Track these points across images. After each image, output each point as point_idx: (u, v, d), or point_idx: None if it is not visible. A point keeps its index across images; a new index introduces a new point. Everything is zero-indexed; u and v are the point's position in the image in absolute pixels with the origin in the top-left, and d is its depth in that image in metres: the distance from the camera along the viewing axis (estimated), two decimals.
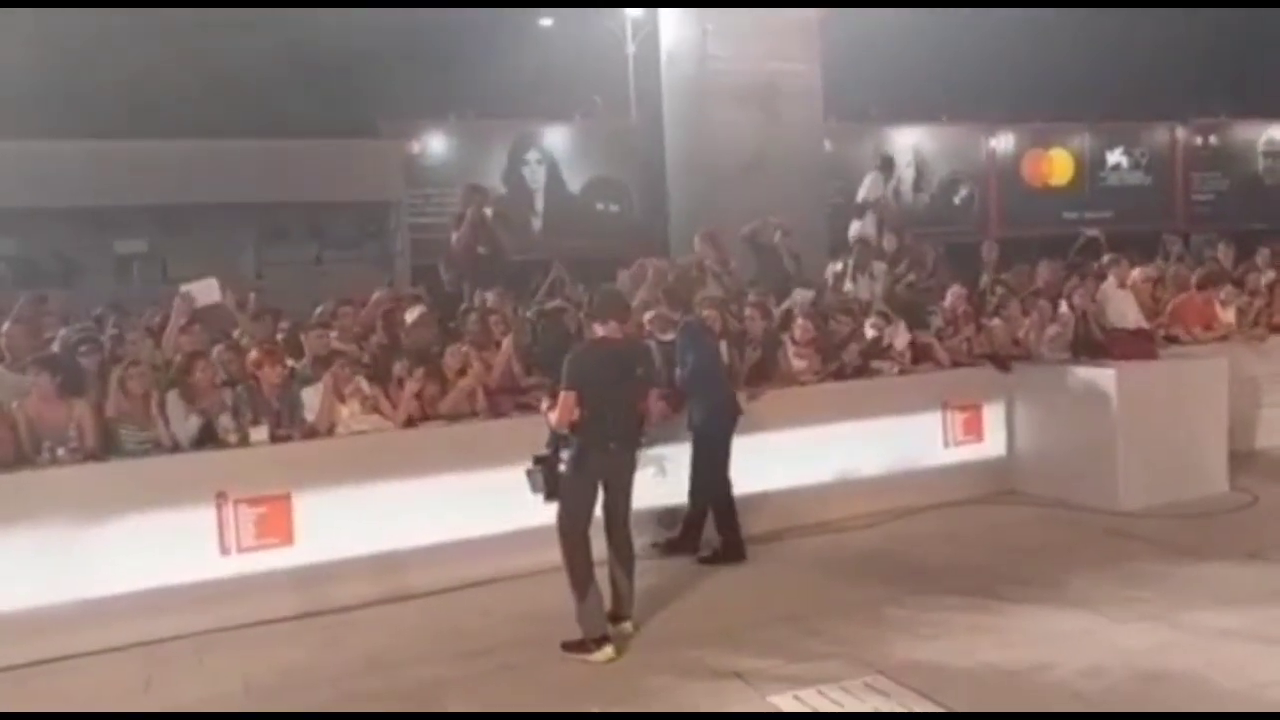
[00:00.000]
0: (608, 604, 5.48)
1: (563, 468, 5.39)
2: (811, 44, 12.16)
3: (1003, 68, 20.92)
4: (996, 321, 8.15)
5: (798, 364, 7.47)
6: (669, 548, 6.70)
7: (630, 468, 5.57)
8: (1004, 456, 7.92)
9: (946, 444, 7.76)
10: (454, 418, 6.63)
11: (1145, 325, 8.39)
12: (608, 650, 5.23)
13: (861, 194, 10.59)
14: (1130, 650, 4.91)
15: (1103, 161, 21.13)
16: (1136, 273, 8.61)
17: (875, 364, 7.69)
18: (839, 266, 9.47)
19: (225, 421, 6.12)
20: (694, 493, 6.66)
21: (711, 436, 6.56)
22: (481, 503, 6.35)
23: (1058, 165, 21.62)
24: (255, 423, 6.18)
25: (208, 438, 6.11)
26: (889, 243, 9.63)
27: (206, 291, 7.15)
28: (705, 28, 11.52)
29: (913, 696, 4.55)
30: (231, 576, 5.84)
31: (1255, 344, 8.71)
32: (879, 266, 9.22)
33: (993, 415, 7.90)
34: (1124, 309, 8.28)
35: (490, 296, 8.13)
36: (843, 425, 7.28)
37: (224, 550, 5.87)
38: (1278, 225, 17.74)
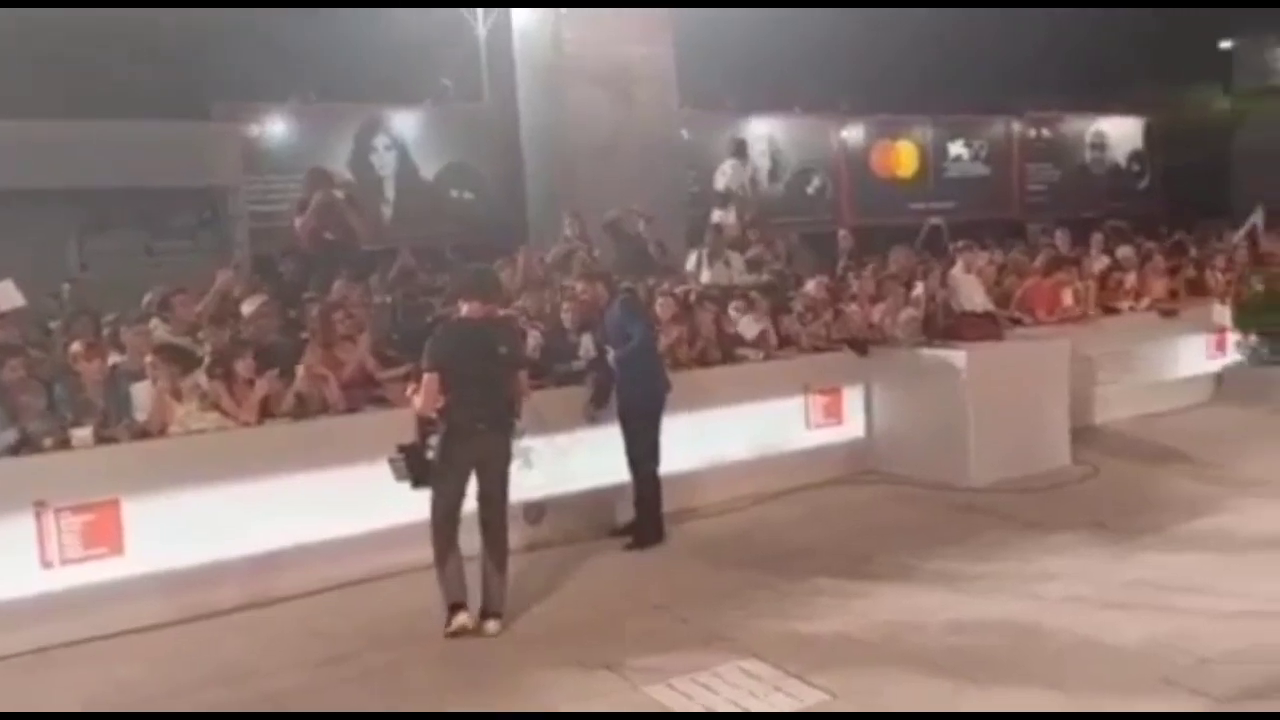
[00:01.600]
0: (477, 600, 5.40)
1: (431, 454, 5.28)
2: (665, 29, 12.24)
3: (851, 61, 21.50)
4: (854, 307, 8.37)
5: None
6: (638, 541, 6.57)
7: (503, 452, 5.46)
8: (863, 438, 8.14)
9: (808, 426, 7.92)
10: (301, 415, 6.34)
11: (992, 309, 8.78)
12: (461, 618, 5.24)
13: (722, 182, 10.72)
14: (990, 616, 5.12)
15: (945, 153, 21.98)
16: (983, 258, 8.99)
17: (740, 351, 7.78)
18: (694, 256, 9.55)
19: (38, 425, 5.66)
20: (639, 475, 6.60)
21: (654, 413, 6.55)
22: (340, 502, 6.10)
23: (903, 157, 22.38)
24: (77, 424, 5.76)
25: (25, 442, 5.65)
26: (748, 232, 9.77)
27: (4, 297, 6.63)
28: (558, 10, 11.42)
29: (786, 677, 4.61)
30: (58, 591, 5.42)
31: (1090, 325, 9.22)
32: (735, 256, 9.34)
33: (852, 398, 8.11)
34: (972, 293, 8.64)
35: (337, 287, 7.83)
36: (709, 412, 7.32)
37: (45, 563, 5.42)
38: (1104, 213, 18.92)
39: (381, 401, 6.60)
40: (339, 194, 8.95)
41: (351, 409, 6.51)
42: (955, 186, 22.39)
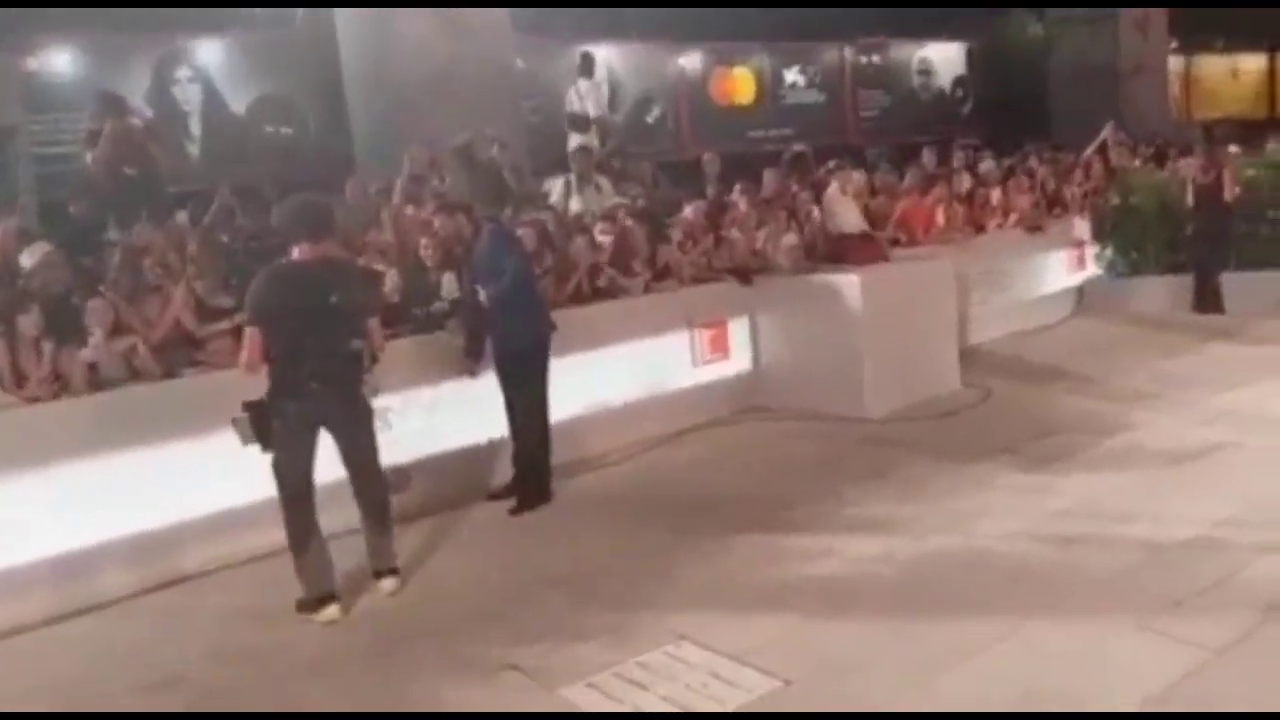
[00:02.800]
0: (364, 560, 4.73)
1: None
2: None
3: None
4: (736, 233, 7.62)
5: None
6: (523, 503, 5.71)
7: (350, 411, 4.64)
8: (750, 371, 7.47)
9: (695, 363, 7.17)
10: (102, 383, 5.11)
11: (867, 230, 8.22)
12: (330, 611, 4.54)
13: (577, 103, 9.73)
14: (934, 562, 4.54)
15: (781, 80, 21.48)
16: (858, 178, 8.41)
17: (620, 282, 6.92)
18: (559, 183, 8.57)
19: None
20: (526, 429, 5.75)
21: (539, 356, 5.71)
22: (158, 487, 4.96)
23: (741, 84, 21.73)
24: None
25: None
26: (610, 159, 8.84)
27: None
28: None
29: (725, 662, 3.86)
30: None
31: (961, 244, 8.82)
32: (604, 180, 8.42)
33: (737, 330, 7.41)
34: (848, 215, 8.03)
35: (139, 229, 6.50)
36: (588, 352, 6.45)
37: None
38: (934, 138, 18.92)
39: (203, 364, 5.44)
40: (136, 122, 7.48)
41: (168, 374, 5.32)
42: (792, 113, 21.96)
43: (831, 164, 8.49)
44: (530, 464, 5.78)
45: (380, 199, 7.78)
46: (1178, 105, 22.22)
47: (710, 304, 7.24)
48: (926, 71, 22.20)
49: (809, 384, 7.16)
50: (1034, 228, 9.26)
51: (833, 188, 7.95)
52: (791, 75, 21.77)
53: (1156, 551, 4.40)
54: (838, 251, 7.46)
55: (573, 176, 8.47)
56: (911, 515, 5.12)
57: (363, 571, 4.85)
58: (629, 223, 7.10)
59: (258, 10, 18.89)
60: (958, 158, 9.90)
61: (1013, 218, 9.26)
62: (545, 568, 4.91)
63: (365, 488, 4.76)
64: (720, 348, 7.30)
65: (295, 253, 4.61)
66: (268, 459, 4.52)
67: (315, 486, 4.61)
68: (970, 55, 22.21)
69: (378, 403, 5.08)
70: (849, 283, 6.96)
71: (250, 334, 4.47)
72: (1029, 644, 3.76)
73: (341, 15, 11.40)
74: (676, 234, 7.46)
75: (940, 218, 8.81)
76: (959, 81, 22.41)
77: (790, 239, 7.71)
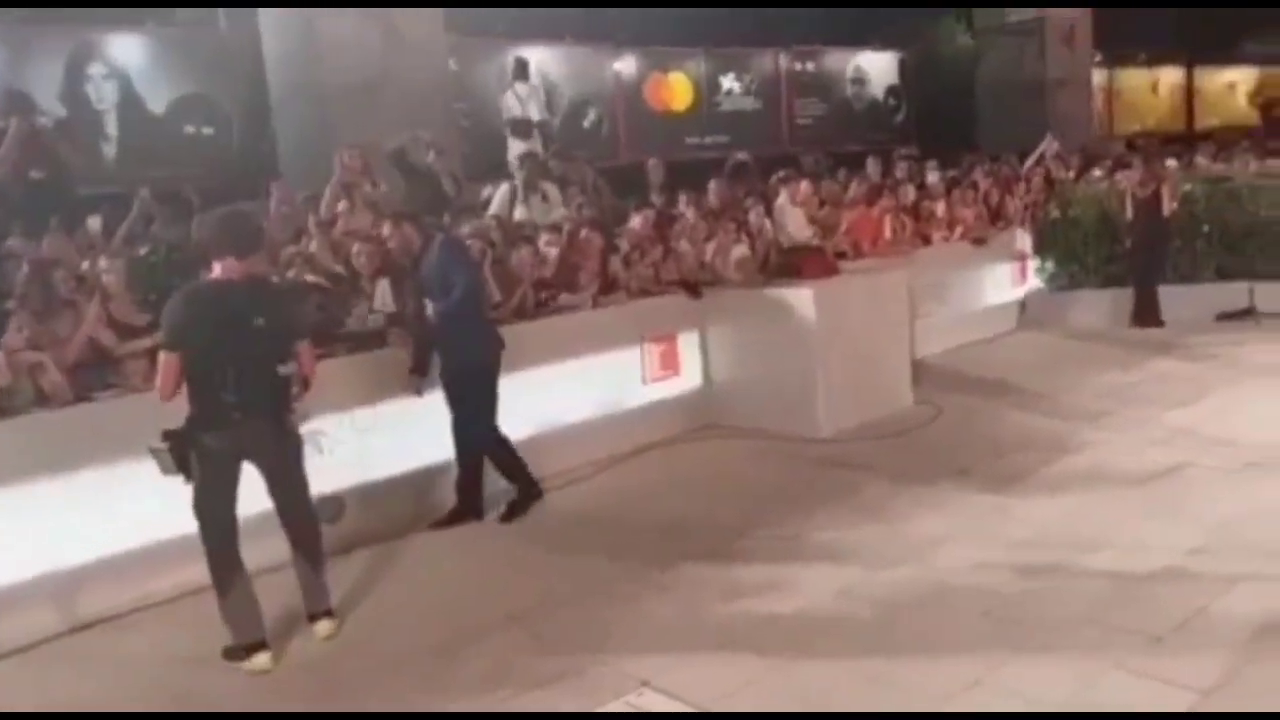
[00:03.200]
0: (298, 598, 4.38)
1: None
2: None
3: None
4: (685, 245, 7.39)
5: None
6: (450, 518, 5.56)
7: (277, 442, 4.28)
8: (701, 388, 7.24)
9: (645, 380, 6.92)
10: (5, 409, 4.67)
11: (817, 242, 8.07)
12: (261, 660, 4.17)
13: (516, 108, 9.41)
14: (894, 595, 4.35)
15: (717, 86, 21.36)
16: (806, 188, 8.25)
17: (565, 298, 6.63)
18: (501, 190, 8.24)
19: None
20: (469, 446, 5.55)
21: (487, 372, 5.49)
22: (77, 519, 4.55)
23: (677, 90, 21.55)
24: None
25: None
26: (550, 163, 8.54)
27: None
28: None
29: (691, 713, 3.62)
30: None
31: (908, 257, 8.72)
32: (551, 188, 8.11)
33: (688, 346, 7.17)
34: (799, 226, 7.88)
35: (49, 240, 6.03)
36: (537, 370, 6.15)
37: None
38: (869, 147, 18.97)
39: (120, 386, 5.02)
40: (45, 121, 6.97)
41: (81, 397, 4.89)
42: (728, 120, 21.85)
43: (781, 173, 8.32)
44: (465, 484, 5.57)
45: (308, 206, 7.39)
46: (1100, 118, 22.68)
47: (659, 318, 7.00)
48: (860, 80, 22.29)
49: (761, 401, 6.96)
50: (978, 240, 9.21)
51: (782, 198, 7.78)
52: (728, 82, 21.66)
53: (1127, 583, 4.26)
54: (789, 264, 7.27)
55: (518, 183, 8.15)
56: (870, 543, 4.93)
57: (296, 612, 4.50)
58: (584, 232, 6.81)
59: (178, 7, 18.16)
60: (901, 168, 9.81)
61: (958, 230, 9.20)
62: (494, 604, 4.60)
63: (296, 526, 4.41)
64: (670, 364, 7.06)
65: (218, 269, 4.24)
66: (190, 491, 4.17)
67: (239, 523, 4.25)
68: (903, 65, 22.37)
69: (309, 425, 4.75)
70: (802, 296, 6.78)
71: (166, 359, 4.11)
72: (1007, 688, 3.57)
73: (265, 12, 10.96)
74: (624, 245, 7.20)
75: (887, 229, 8.70)
76: (892, 90, 22.55)
77: (740, 251, 7.51)
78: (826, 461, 6.27)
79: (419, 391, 5.55)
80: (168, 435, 4.10)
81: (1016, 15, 20.93)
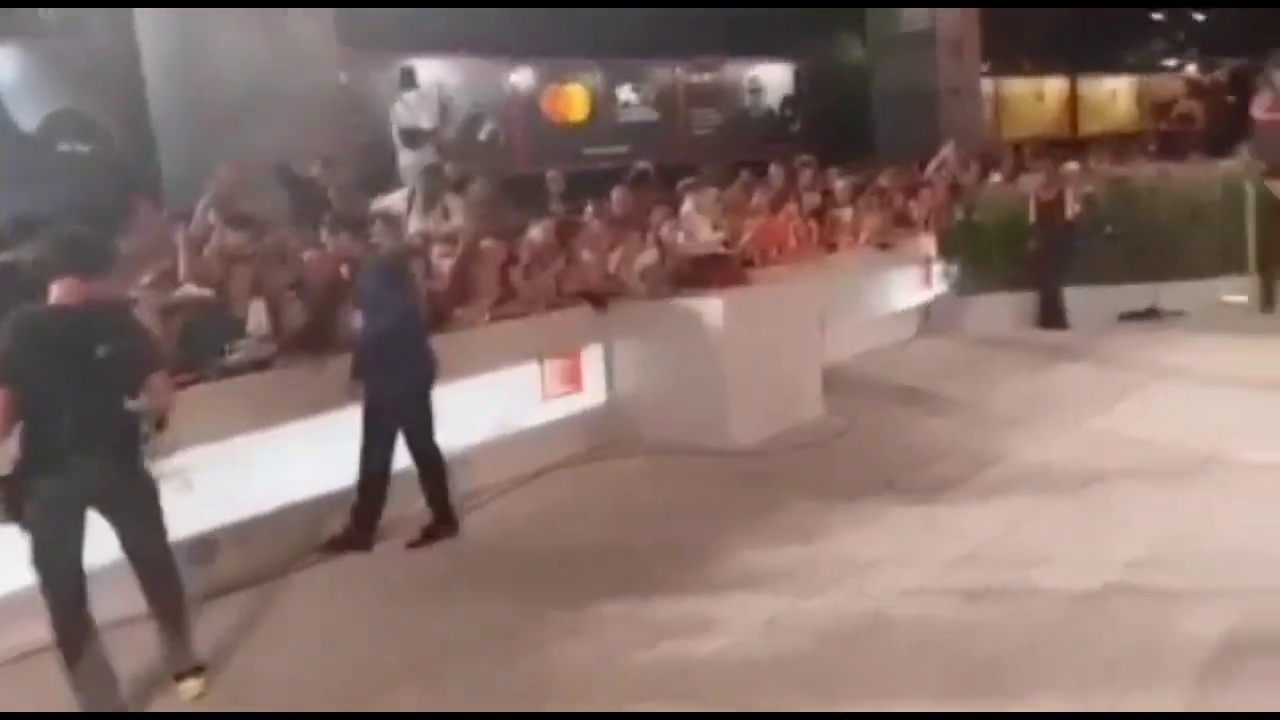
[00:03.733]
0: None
1: None
2: None
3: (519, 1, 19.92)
4: (588, 255, 6.92)
5: None
6: (426, 535, 5.21)
7: (127, 488, 3.73)
8: (606, 404, 6.77)
9: (544, 397, 6.41)
10: None
11: (723, 250, 7.70)
12: None
13: (407, 118, 8.86)
14: (830, 627, 3.96)
15: (615, 98, 21.02)
16: (712, 195, 7.88)
17: (459, 312, 6.10)
18: (396, 198, 7.64)
19: None
20: (426, 469, 5.28)
21: (427, 394, 5.19)
22: None
23: (575, 101, 21.16)
24: None
25: None
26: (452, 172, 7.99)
27: None
28: None
29: None
30: None
31: (813, 264, 8.42)
32: (454, 200, 7.54)
33: (591, 360, 6.70)
34: (705, 235, 7.50)
35: None
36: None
37: None
38: (766, 156, 18.87)
39: None
40: None
41: None
42: (627, 131, 21.55)
43: (687, 180, 7.95)
44: (434, 497, 5.26)
45: (176, 223, 6.68)
46: (988, 125, 23.08)
47: (562, 332, 6.51)
48: (757, 90, 22.24)
49: (670, 415, 6.53)
50: (884, 245, 8.99)
51: (688, 206, 7.40)
52: (625, 93, 21.35)
53: (1073, 604, 3.95)
54: (696, 274, 6.87)
55: (417, 195, 7.55)
56: (795, 567, 4.53)
57: (158, 671, 3.88)
58: (484, 243, 6.29)
59: (49, 15, 16.98)
60: (805, 175, 9.54)
61: (864, 235, 8.95)
62: (379, 657, 4.05)
63: (152, 580, 3.81)
64: (573, 379, 6.58)
65: (55, 292, 3.64)
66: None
67: (86, 578, 3.64)
68: (798, 75, 22.40)
69: (174, 461, 4.14)
70: (711, 307, 6.38)
71: None
72: None
73: (143, 22, 10.26)
74: (524, 256, 6.70)
75: (792, 237, 8.39)
76: (787, 101, 22.57)
77: (646, 259, 7.09)
78: (742, 477, 5.87)
79: (358, 397, 5.10)
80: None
81: (908, 26, 21.15)
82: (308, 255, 5.92)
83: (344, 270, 5.63)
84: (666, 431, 6.50)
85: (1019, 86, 23.46)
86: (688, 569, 4.63)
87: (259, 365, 5.18)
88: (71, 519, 3.59)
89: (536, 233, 6.92)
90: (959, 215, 9.51)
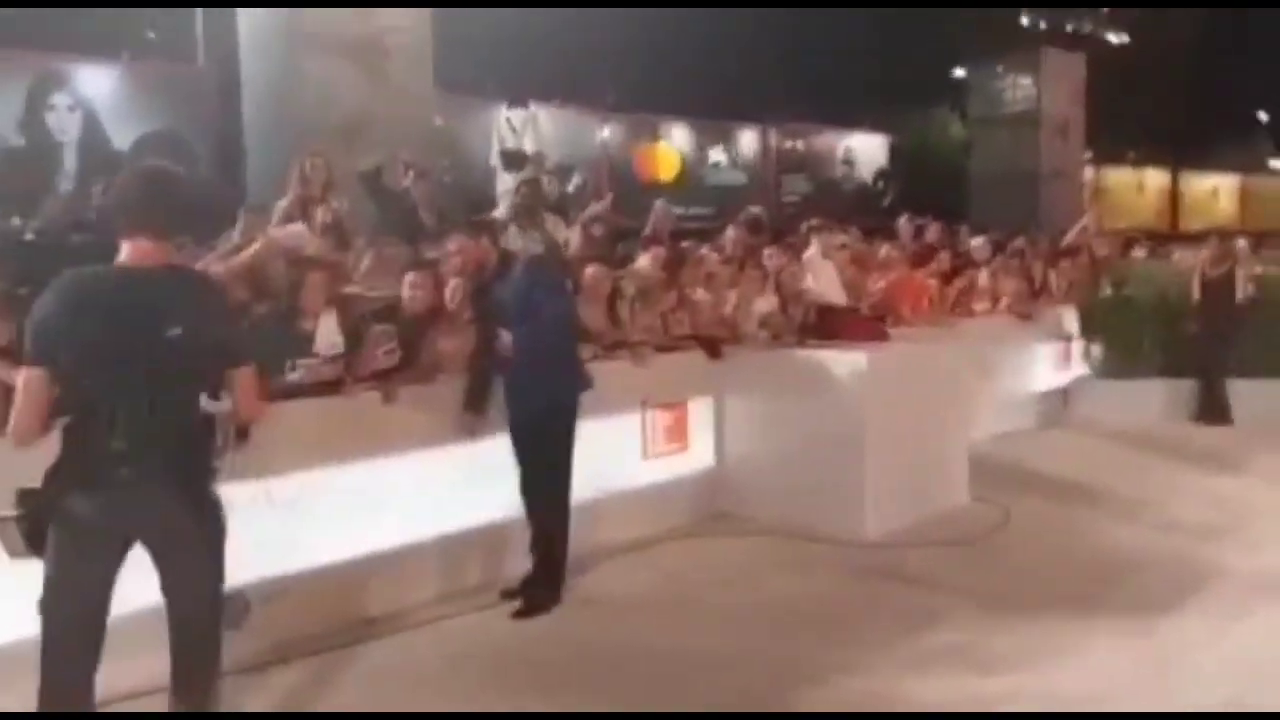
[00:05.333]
0: None
1: None
2: None
3: (614, 54, 19.46)
4: (702, 293, 5.86)
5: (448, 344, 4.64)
6: (530, 605, 4.24)
7: (186, 518, 2.62)
8: (714, 468, 5.65)
9: (646, 455, 5.32)
10: None
11: (853, 303, 6.60)
12: None
13: (510, 139, 8.09)
14: None
15: (705, 158, 20.29)
16: (840, 240, 6.80)
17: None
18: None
19: None
20: (547, 508, 4.34)
21: (569, 416, 4.35)
22: None
23: (665, 160, 20.46)
24: None
25: None
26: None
27: None
28: None
29: None
30: None
31: (948, 329, 7.24)
32: (557, 222, 6.57)
33: (699, 415, 5.60)
34: (831, 283, 6.41)
35: None
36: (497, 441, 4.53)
37: None
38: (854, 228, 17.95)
39: None
40: None
41: None
42: (714, 192, 20.78)
43: (813, 221, 6.90)
44: (546, 554, 4.33)
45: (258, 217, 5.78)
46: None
47: (669, 380, 5.41)
48: (850, 162, 21.39)
49: (788, 489, 5.36)
50: (1024, 315, 7.79)
51: (814, 250, 6.33)
52: (715, 154, 20.62)
53: None
54: (829, 325, 5.76)
55: (515, 217, 6.59)
56: (981, 701, 3.32)
57: None
58: (590, 269, 5.27)
59: (155, 36, 16.75)
60: (932, 231, 8.43)
61: (1003, 302, 7.77)
62: None
63: (189, 644, 2.69)
64: (678, 436, 5.47)
65: (125, 250, 2.65)
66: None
67: (104, 638, 2.61)
68: (893, 149, 21.49)
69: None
70: (852, 363, 5.23)
71: (27, 380, 2.55)
72: None
73: (247, 51, 9.97)
74: (629, 288, 5.66)
75: (925, 296, 7.25)
76: (880, 174, 21.63)
77: (766, 305, 6.01)
78: (881, 574, 4.66)
79: (473, 432, 4.39)
80: (23, 497, 2.54)
81: (1011, 106, 20.18)
82: (456, 246, 4.95)
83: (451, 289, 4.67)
84: (784, 508, 5.33)
85: (1120, 176, 22.27)
86: (839, 691, 3.44)
87: (324, 388, 4.20)
88: (107, 554, 2.59)
89: (644, 262, 5.88)
90: (1107, 289, 8.28)
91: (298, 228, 5.18)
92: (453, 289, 4.68)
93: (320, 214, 5.80)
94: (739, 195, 20.91)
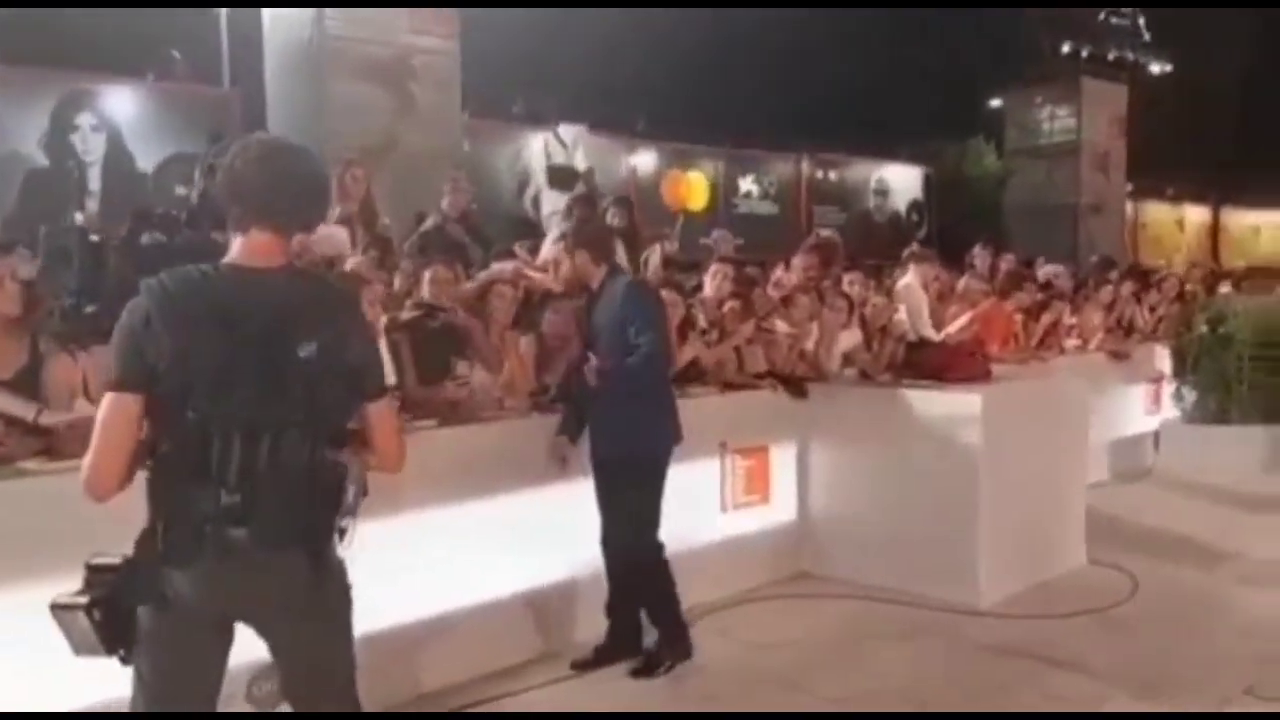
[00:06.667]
0: None
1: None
2: (450, 21, 9.66)
3: (643, 80, 19.01)
4: (780, 325, 5.17)
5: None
6: (599, 657, 3.77)
7: (307, 593, 2.01)
8: (794, 522, 4.95)
9: (725, 507, 4.62)
10: None
11: (936, 336, 5.92)
12: None
13: (560, 154, 7.53)
14: None
15: (735, 188, 19.72)
16: (935, 270, 6.13)
17: None
18: (550, 247, 6.05)
19: None
20: (632, 556, 3.76)
21: (658, 463, 3.75)
22: None
23: (695, 189, 19.80)
24: None
25: None
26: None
27: None
28: None
29: None
30: None
31: (1037, 367, 6.54)
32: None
33: (781, 462, 4.90)
34: (922, 315, 5.74)
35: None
36: (572, 484, 3.86)
37: None
38: (886, 259, 17.35)
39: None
40: None
41: None
42: (744, 223, 20.20)
43: (914, 248, 6.25)
44: (621, 611, 3.80)
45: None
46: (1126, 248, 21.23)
47: (748, 422, 4.73)
48: (883, 192, 20.78)
49: (883, 548, 4.66)
50: (1118, 354, 7.08)
51: (911, 278, 5.66)
52: (746, 184, 20.07)
53: None
54: (926, 362, 5.07)
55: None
56: None
57: None
58: (662, 295, 4.60)
59: (180, 57, 16.35)
60: (1007, 260, 7.74)
61: (1097, 338, 7.06)
62: None
63: None
64: (758, 486, 4.78)
65: (238, 246, 2.03)
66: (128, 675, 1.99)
67: None
68: (927, 180, 20.88)
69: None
70: (964, 405, 4.53)
71: (112, 412, 1.92)
72: None
73: (273, 73, 9.75)
74: (700, 317, 4.99)
75: (1014, 332, 6.56)
76: (914, 206, 21.00)
77: (850, 339, 5.34)
78: (1012, 653, 3.94)
79: (564, 459, 3.85)
80: (95, 575, 1.93)
81: (1050, 137, 19.61)
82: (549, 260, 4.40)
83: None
84: (877, 569, 4.64)
85: (1160, 211, 21.57)
86: None
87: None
88: (216, 645, 2.02)
89: (710, 287, 5.20)
90: (1201, 327, 7.56)
91: (333, 229, 4.58)
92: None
93: (360, 230, 5.21)
94: (770, 225, 20.37)
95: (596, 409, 3.75)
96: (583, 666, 3.75)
